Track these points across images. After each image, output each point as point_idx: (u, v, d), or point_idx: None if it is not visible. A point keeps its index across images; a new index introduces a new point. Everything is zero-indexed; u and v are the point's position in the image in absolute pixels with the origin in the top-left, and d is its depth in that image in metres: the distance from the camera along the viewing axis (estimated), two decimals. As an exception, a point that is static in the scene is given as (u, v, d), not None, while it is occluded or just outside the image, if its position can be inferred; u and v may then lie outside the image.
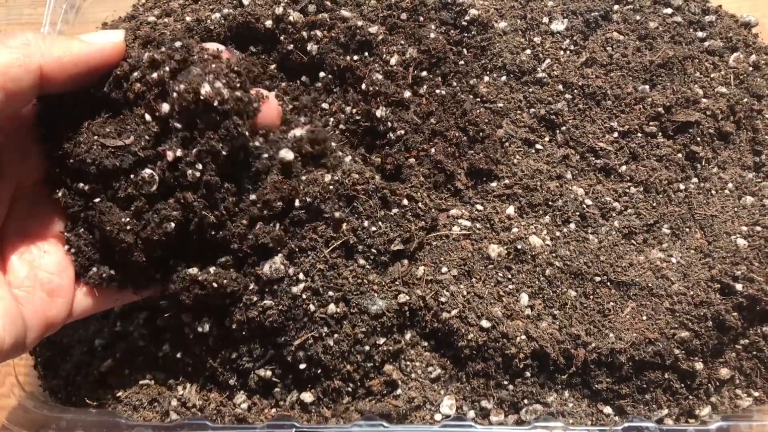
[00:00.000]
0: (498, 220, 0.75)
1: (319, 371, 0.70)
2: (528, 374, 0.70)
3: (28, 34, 0.55)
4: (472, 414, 0.70)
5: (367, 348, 0.69)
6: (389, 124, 0.75)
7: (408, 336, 0.73)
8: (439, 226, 0.75)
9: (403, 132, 0.75)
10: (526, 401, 0.70)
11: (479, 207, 0.76)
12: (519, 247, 0.73)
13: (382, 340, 0.70)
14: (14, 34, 0.55)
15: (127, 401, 0.73)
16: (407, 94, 0.76)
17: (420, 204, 0.73)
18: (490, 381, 0.71)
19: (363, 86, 0.76)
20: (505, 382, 0.71)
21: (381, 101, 0.75)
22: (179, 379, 0.74)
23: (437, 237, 0.74)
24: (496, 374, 0.70)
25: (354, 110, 0.77)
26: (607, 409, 0.71)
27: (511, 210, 0.76)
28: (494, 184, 0.77)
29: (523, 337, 0.69)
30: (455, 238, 0.74)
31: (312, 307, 0.68)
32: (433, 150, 0.75)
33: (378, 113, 0.74)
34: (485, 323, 0.69)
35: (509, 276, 0.73)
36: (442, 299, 0.71)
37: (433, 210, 0.74)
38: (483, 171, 0.77)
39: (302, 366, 0.69)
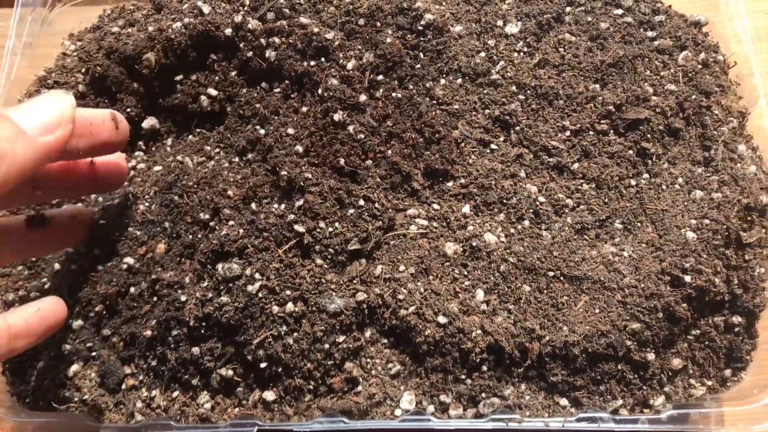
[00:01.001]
0: (454, 218, 0.75)
1: (279, 370, 0.69)
2: (485, 368, 0.70)
3: None
4: (431, 409, 0.70)
5: (326, 346, 0.69)
6: (347, 128, 0.74)
7: (368, 334, 0.72)
8: (396, 226, 0.74)
9: (361, 135, 0.74)
10: (483, 395, 0.69)
11: (436, 206, 0.76)
12: (474, 244, 0.72)
13: (341, 338, 0.70)
14: None
15: (93, 404, 0.73)
16: (363, 98, 0.75)
17: (377, 204, 0.73)
18: (448, 376, 0.70)
19: (319, 91, 0.76)
20: (463, 377, 0.70)
21: (337, 105, 0.75)
22: (143, 380, 0.73)
23: (395, 236, 0.73)
24: (454, 369, 0.70)
25: (311, 114, 0.76)
26: (563, 401, 0.71)
27: (467, 209, 0.75)
28: (450, 183, 0.76)
29: (479, 331, 0.68)
30: (412, 237, 0.74)
31: (271, 306, 0.67)
32: (389, 152, 0.75)
33: (336, 117, 0.74)
34: (442, 319, 0.69)
35: (465, 273, 0.72)
36: (400, 297, 0.70)
37: (390, 210, 0.74)
38: (439, 171, 0.76)
39: (263, 365, 0.68)
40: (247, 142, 0.77)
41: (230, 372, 0.70)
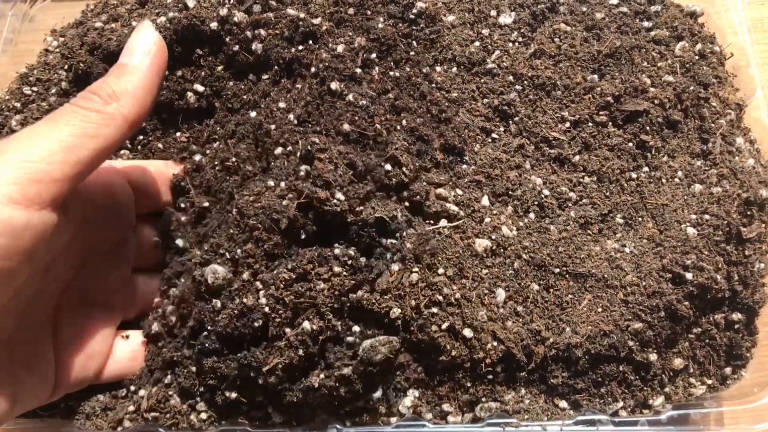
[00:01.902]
0: (477, 208, 0.70)
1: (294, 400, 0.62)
2: (491, 377, 0.66)
3: None
4: (429, 416, 0.66)
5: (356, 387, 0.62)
6: (345, 97, 0.68)
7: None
8: (429, 205, 0.68)
9: (363, 102, 0.68)
10: (483, 399, 0.66)
11: (459, 191, 0.70)
12: (494, 237, 0.68)
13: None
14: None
15: (80, 410, 0.70)
16: (358, 71, 0.70)
17: (405, 170, 0.66)
18: (457, 389, 0.66)
19: (312, 69, 0.70)
20: (468, 385, 0.66)
21: (334, 75, 0.69)
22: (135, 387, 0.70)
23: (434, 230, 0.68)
24: (463, 380, 0.65)
25: (305, 88, 0.69)
26: (563, 404, 0.67)
27: (485, 200, 0.71)
28: (465, 166, 0.72)
29: (494, 343, 0.64)
30: (445, 229, 0.68)
31: (281, 327, 0.60)
32: (404, 122, 0.69)
33: (332, 86, 0.68)
34: (468, 332, 0.63)
35: (487, 272, 0.67)
36: (434, 309, 0.63)
37: (423, 181, 0.68)
38: (456, 148, 0.71)
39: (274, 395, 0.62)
40: (236, 125, 0.73)
41: (234, 394, 0.64)
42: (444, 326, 0.63)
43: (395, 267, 0.62)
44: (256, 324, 0.60)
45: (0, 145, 0.51)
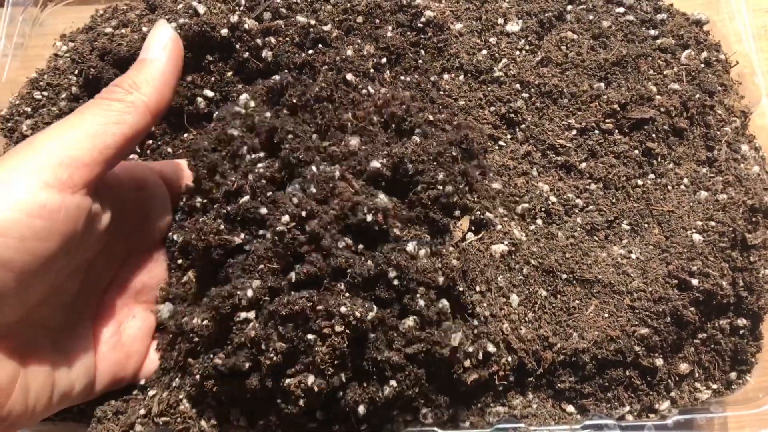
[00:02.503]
0: (495, 214, 0.70)
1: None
2: (501, 389, 0.66)
3: None
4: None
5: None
6: (360, 90, 0.68)
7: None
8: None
9: (383, 91, 0.67)
10: (491, 404, 0.67)
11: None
12: (506, 242, 0.68)
13: None
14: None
15: (93, 414, 0.70)
16: (371, 70, 0.71)
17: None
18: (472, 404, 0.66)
19: (324, 68, 0.72)
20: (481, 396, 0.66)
21: (350, 66, 0.71)
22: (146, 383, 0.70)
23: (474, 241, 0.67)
24: (477, 395, 0.66)
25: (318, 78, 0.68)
26: (570, 408, 0.67)
27: (500, 208, 0.71)
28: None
29: (509, 358, 0.64)
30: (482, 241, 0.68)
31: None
32: (428, 114, 0.68)
33: (348, 76, 0.69)
34: (491, 348, 0.63)
35: (502, 278, 0.67)
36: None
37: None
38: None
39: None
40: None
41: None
42: (471, 351, 0.62)
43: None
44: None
45: (31, 138, 0.54)
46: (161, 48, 0.62)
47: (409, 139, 0.64)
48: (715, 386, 0.71)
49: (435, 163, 0.63)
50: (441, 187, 0.62)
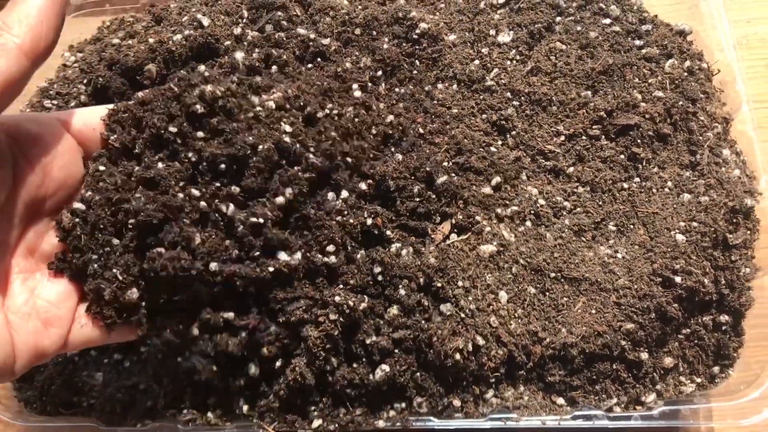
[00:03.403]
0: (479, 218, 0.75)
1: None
2: (492, 380, 0.70)
3: None
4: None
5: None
6: (353, 92, 0.72)
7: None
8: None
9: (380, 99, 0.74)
10: (484, 395, 0.71)
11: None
12: (495, 243, 0.72)
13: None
14: None
15: (101, 409, 0.73)
16: (369, 83, 0.75)
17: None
18: (461, 391, 0.70)
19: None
20: (472, 385, 0.71)
21: (350, 78, 0.75)
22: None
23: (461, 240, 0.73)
24: (468, 384, 0.70)
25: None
26: (560, 400, 0.71)
27: (489, 210, 0.76)
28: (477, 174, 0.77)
29: (499, 351, 0.68)
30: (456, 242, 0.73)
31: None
32: (419, 119, 0.75)
33: (339, 69, 0.75)
34: (480, 340, 0.68)
35: (490, 276, 0.72)
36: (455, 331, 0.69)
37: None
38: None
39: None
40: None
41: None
42: (461, 345, 0.67)
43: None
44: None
45: None
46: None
47: (393, 157, 0.70)
48: (699, 380, 0.74)
49: (413, 178, 0.70)
50: (417, 199, 0.70)
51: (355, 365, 0.67)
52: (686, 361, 0.74)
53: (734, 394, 0.74)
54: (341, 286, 0.65)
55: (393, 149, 0.71)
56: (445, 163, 0.74)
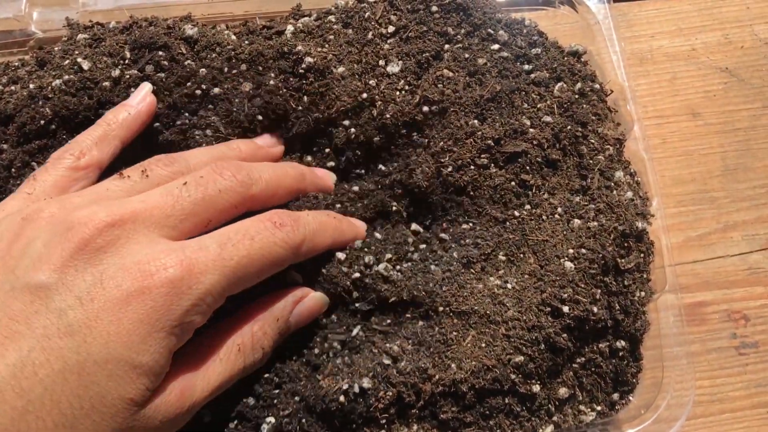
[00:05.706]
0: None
1: None
2: (384, 421, 0.68)
3: None
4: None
5: None
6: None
7: None
8: None
9: None
10: (376, 436, 0.69)
11: None
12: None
13: None
14: None
15: None
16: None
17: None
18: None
19: None
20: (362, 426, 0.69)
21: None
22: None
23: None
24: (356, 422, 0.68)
25: None
26: (453, 438, 0.71)
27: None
28: None
29: (388, 393, 0.67)
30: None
31: None
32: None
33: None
34: (366, 384, 0.66)
35: None
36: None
37: None
38: None
39: None
40: None
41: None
42: (344, 387, 0.65)
43: None
44: None
45: None
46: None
47: None
48: (599, 407, 0.74)
49: None
50: None
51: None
52: (584, 390, 0.74)
53: (636, 419, 0.74)
54: None
55: None
56: None
